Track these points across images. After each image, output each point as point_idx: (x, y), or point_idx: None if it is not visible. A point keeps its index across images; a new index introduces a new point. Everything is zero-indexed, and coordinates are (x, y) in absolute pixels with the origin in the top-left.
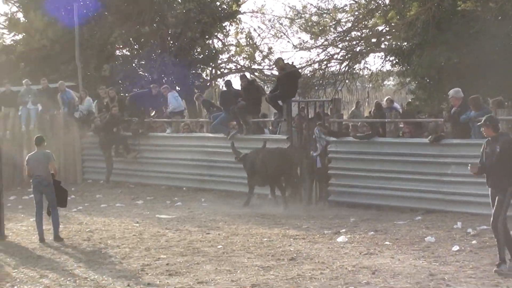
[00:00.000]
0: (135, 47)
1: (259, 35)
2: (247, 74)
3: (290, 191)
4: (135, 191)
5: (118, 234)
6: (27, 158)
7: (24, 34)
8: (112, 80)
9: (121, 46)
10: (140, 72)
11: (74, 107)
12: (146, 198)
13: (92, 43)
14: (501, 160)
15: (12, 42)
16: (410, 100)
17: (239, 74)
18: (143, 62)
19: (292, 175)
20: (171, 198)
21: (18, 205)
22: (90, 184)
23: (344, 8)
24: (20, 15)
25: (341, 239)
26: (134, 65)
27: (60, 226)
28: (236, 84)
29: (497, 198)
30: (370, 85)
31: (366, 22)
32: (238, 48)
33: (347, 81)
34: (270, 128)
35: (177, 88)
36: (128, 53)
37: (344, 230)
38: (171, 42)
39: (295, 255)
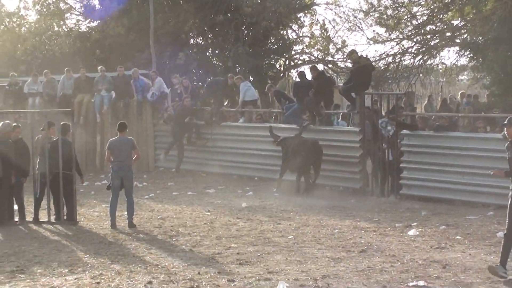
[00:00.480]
0: (210, 36)
1: (333, 27)
2: (320, 66)
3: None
4: (207, 180)
5: (189, 222)
6: (108, 143)
7: (99, 21)
8: (186, 68)
9: (195, 35)
10: (213, 61)
11: (148, 92)
12: (217, 187)
13: (166, 31)
14: None
15: (87, 29)
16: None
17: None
18: (217, 52)
19: (319, 166)
20: (243, 188)
21: (90, 191)
22: (162, 172)
23: (420, 1)
24: (96, 2)
25: (412, 232)
26: (208, 54)
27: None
28: (309, 75)
29: None
30: (444, 80)
31: (441, 16)
32: (312, 40)
33: (420, 75)
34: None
35: (250, 78)
36: (202, 42)
37: (415, 223)
38: (246, 31)
39: (365, 247)
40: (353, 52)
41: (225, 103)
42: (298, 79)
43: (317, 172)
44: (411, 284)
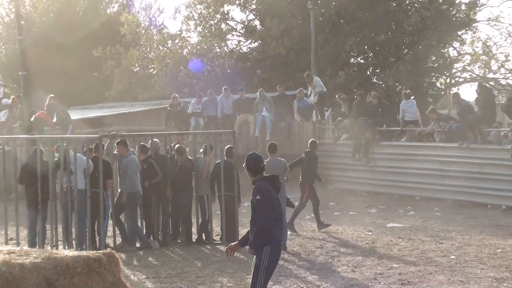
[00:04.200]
0: (370, 55)
1: (495, 43)
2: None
3: None
4: (368, 199)
5: (351, 242)
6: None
7: (260, 41)
8: (347, 87)
9: (356, 54)
10: (374, 80)
11: (310, 115)
12: (379, 207)
13: (327, 51)
14: None
15: (248, 50)
16: None
17: (476, 83)
18: (377, 70)
19: None
20: (404, 207)
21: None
22: (323, 192)
23: None
24: (256, 23)
25: None
26: (368, 73)
27: (293, 232)
28: (467, 94)
29: None
30: None
31: None
32: (473, 57)
33: None
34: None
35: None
36: (363, 61)
37: None
38: (406, 50)
39: None
40: None
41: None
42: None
43: None
44: None
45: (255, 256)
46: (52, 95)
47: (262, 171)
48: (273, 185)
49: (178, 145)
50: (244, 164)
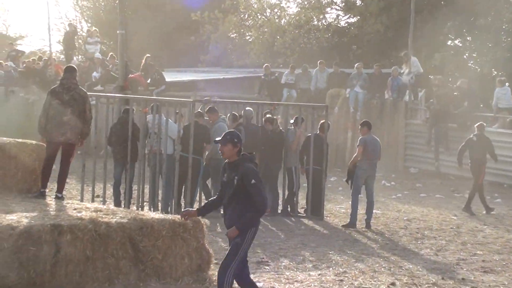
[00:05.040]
0: (468, 39)
1: None
2: None
3: None
4: (456, 183)
5: (435, 226)
6: (364, 141)
7: (358, 17)
8: (441, 70)
9: (453, 37)
10: (470, 65)
11: (404, 94)
12: (465, 192)
13: (424, 33)
14: None
15: (346, 24)
16: None
17: None
18: (474, 55)
19: None
20: (491, 194)
21: (338, 187)
22: (410, 172)
23: None
24: None
25: None
26: (465, 56)
27: (378, 211)
28: None
29: None
30: None
31: None
32: None
33: None
34: None
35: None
36: (460, 44)
37: None
38: (505, 36)
39: None
40: None
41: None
42: None
43: None
44: None
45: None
46: (148, 55)
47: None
48: (255, 166)
49: (269, 115)
50: (233, 141)
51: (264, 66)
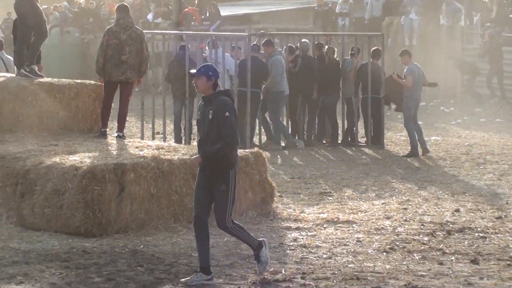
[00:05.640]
0: None
1: None
2: None
3: None
4: None
5: (497, 150)
6: (411, 69)
7: None
8: None
9: None
10: None
11: (459, 19)
12: None
13: None
14: None
15: None
16: None
17: None
18: None
19: None
20: None
21: (397, 115)
22: (468, 97)
23: None
24: None
25: None
26: None
27: (439, 138)
28: None
29: None
30: None
31: None
32: None
33: None
34: None
35: None
36: None
37: None
38: None
39: None
40: None
41: None
42: None
43: None
44: None
45: (215, 183)
46: None
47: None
48: (232, 101)
49: (326, 45)
50: (207, 74)
51: None
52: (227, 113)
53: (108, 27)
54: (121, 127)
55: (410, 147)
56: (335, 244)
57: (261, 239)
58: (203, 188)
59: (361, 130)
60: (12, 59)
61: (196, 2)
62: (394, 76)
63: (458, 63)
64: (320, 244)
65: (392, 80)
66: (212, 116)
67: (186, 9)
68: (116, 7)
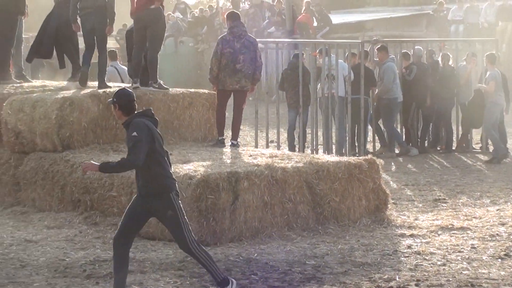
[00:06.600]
0: None
1: None
2: None
3: None
4: None
5: None
6: (493, 75)
7: None
8: None
9: None
10: None
11: None
12: None
13: None
14: None
15: None
16: None
17: None
18: None
19: None
20: None
21: None
22: None
23: None
24: None
25: None
26: None
27: None
28: None
29: None
30: None
31: None
32: None
33: None
34: None
35: None
36: None
37: None
38: None
39: None
40: None
41: None
42: None
43: None
44: None
45: (158, 210)
46: None
47: (134, 110)
48: (152, 121)
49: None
50: (113, 102)
51: (438, 2)
52: (134, 133)
53: (221, 36)
54: (235, 135)
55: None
56: (449, 251)
57: (230, 278)
58: (135, 212)
59: (475, 136)
60: (126, 69)
61: (303, 10)
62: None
63: None
64: (434, 251)
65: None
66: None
67: (300, 16)
68: (227, 14)
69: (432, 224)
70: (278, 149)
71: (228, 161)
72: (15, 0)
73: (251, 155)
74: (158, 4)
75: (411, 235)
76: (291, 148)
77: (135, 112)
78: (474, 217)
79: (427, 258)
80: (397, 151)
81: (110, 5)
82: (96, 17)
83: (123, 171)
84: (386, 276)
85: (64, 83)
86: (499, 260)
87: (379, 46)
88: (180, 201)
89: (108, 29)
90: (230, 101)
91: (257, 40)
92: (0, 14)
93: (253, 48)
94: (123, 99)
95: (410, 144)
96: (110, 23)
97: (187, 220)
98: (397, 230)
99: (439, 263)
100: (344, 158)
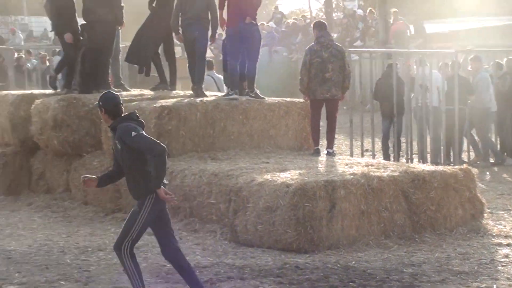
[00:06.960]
0: None
1: None
2: None
3: None
4: None
5: None
6: None
7: None
8: None
9: None
10: None
11: None
12: None
13: None
14: None
15: None
16: None
17: None
18: None
19: None
20: None
21: None
22: None
23: None
24: None
25: None
26: None
27: None
28: None
29: None
30: None
31: None
32: None
33: None
34: None
35: None
36: None
37: None
38: None
39: None
40: None
41: None
42: None
43: None
44: None
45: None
46: (395, 9)
47: (121, 113)
48: (138, 123)
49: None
50: (99, 106)
51: None
52: (132, 133)
53: (309, 45)
54: (330, 143)
55: None
56: None
57: None
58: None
59: None
60: (222, 78)
61: (391, 19)
62: None
63: None
64: None
65: None
66: (121, 147)
67: (395, 24)
68: (313, 24)
69: None
70: (373, 158)
71: (324, 169)
72: (113, 10)
73: (347, 164)
74: (250, 20)
75: (508, 245)
76: (386, 157)
77: (121, 116)
78: None
79: None
80: (492, 160)
81: (213, 16)
82: (197, 27)
83: (165, 164)
84: (483, 285)
85: (162, 91)
86: None
87: (472, 56)
88: (151, 209)
89: (212, 40)
90: (324, 110)
91: (351, 50)
92: (99, 24)
93: (341, 57)
94: (109, 103)
95: (505, 154)
96: (212, 34)
97: (144, 229)
98: (493, 239)
99: None
100: (440, 168)
